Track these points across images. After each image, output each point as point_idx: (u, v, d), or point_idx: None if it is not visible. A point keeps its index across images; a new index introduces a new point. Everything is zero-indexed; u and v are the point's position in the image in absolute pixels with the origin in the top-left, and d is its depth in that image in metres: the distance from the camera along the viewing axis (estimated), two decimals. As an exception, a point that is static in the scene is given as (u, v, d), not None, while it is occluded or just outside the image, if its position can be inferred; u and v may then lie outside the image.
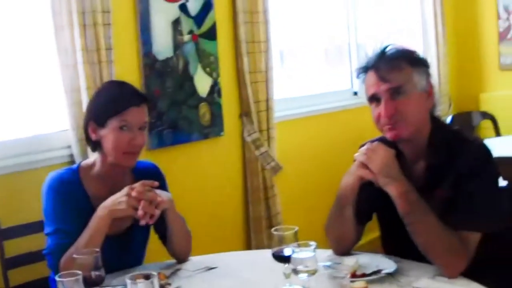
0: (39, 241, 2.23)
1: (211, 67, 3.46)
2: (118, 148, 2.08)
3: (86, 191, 2.12)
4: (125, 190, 2.02)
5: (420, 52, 2.18)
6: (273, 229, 1.84)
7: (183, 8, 3.29)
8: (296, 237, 1.77)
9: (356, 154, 2.00)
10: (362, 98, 2.10)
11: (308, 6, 4.47)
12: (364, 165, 1.96)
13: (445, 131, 2.05)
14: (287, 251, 1.75)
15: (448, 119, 4.89)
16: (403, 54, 2.01)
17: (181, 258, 2.21)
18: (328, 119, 4.36)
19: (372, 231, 2.26)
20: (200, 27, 3.39)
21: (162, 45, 3.19)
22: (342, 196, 2.05)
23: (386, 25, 5.05)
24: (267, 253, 1.83)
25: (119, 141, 2.07)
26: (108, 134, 2.08)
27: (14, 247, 2.43)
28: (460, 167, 1.92)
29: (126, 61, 3.02)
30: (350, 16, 4.72)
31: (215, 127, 3.49)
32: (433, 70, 4.98)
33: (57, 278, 1.57)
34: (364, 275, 1.87)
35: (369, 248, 2.26)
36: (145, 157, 2.34)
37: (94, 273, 1.70)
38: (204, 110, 3.42)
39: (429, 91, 2.01)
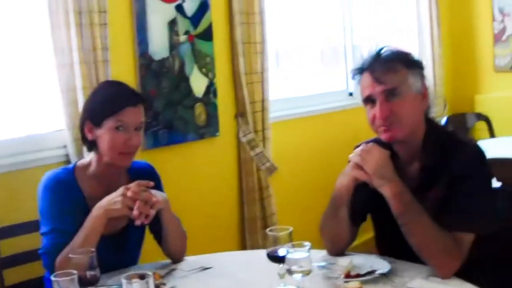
0: (35, 241, 2.23)
1: (207, 68, 3.46)
2: (114, 148, 2.08)
3: (81, 191, 2.12)
4: (120, 190, 2.02)
5: (416, 54, 2.19)
6: (267, 229, 1.85)
7: (179, 8, 3.30)
8: (290, 238, 1.77)
9: (350, 155, 2.01)
10: (357, 99, 2.11)
11: (304, 8, 4.47)
12: (358, 166, 1.97)
13: (439, 132, 2.06)
14: (281, 252, 1.75)
15: (443, 120, 4.92)
16: (398, 56, 2.02)
17: (176, 258, 2.21)
18: (323, 119, 4.37)
19: (367, 232, 2.27)
20: (196, 28, 3.39)
21: (158, 46, 3.20)
22: (336, 197, 2.06)
23: (381, 26, 5.06)
24: (262, 253, 1.84)
25: (115, 141, 2.08)
26: (104, 134, 2.09)
27: (10, 246, 2.43)
28: (454, 168, 1.93)
29: (122, 61, 3.03)
30: (345, 17, 4.73)
31: (210, 127, 3.50)
32: (428, 71, 5.00)
33: (52, 278, 1.58)
34: (358, 275, 1.88)
35: (364, 249, 2.26)
36: (140, 157, 2.34)
37: (89, 273, 1.70)
38: (199, 110, 3.43)
39: (423, 93, 2.02)
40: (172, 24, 3.26)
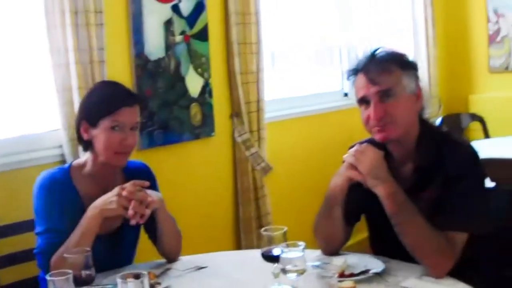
0: (30, 240, 2.24)
1: (203, 68, 3.47)
2: (110, 148, 2.09)
3: (77, 191, 2.13)
4: (115, 189, 2.03)
5: (411, 55, 2.20)
6: (262, 229, 1.86)
7: (175, 8, 3.30)
8: (285, 237, 1.78)
9: (345, 155, 2.02)
10: (352, 100, 2.12)
11: (300, 8, 4.48)
12: (353, 166, 1.98)
13: (433, 133, 2.07)
14: (276, 251, 1.76)
15: (438, 121, 4.93)
16: (392, 57, 2.03)
17: (171, 258, 2.22)
18: (318, 120, 4.38)
19: (361, 232, 2.28)
20: (192, 28, 3.40)
21: (154, 46, 3.20)
22: (331, 197, 2.07)
23: (377, 27, 5.07)
24: (257, 253, 1.85)
25: (110, 141, 2.08)
26: (99, 134, 2.09)
27: (5, 246, 2.43)
28: (448, 168, 1.95)
29: (118, 61, 3.03)
30: (341, 18, 4.74)
31: (206, 127, 3.50)
32: (423, 72, 5.02)
33: (47, 277, 1.58)
34: (352, 275, 1.89)
35: (358, 249, 2.27)
36: (136, 157, 2.35)
37: (84, 272, 1.71)
38: (195, 110, 3.43)
39: (418, 94, 2.03)
40: (168, 24, 3.27)
